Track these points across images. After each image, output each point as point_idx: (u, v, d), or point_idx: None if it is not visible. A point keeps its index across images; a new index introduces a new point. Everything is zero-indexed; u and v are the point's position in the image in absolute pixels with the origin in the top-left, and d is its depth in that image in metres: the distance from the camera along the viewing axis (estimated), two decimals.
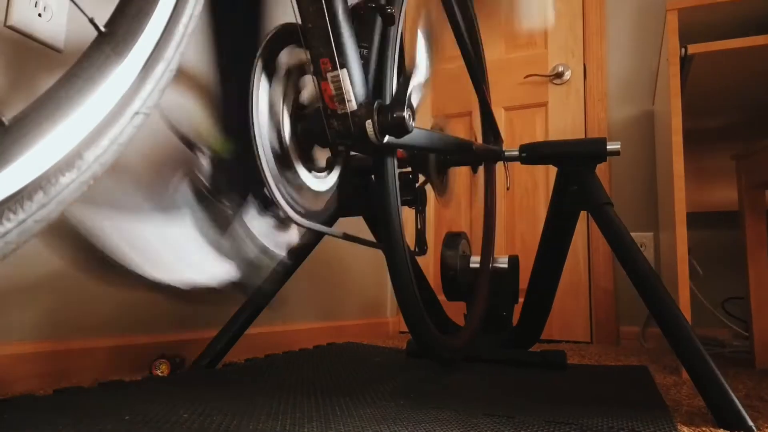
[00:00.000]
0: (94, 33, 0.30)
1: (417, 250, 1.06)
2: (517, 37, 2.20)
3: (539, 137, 2.12)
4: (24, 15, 0.58)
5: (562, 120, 2.08)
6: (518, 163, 1.45)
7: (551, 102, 2.10)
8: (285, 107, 0.69)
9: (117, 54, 0.29)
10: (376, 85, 0.80)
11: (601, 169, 1.94)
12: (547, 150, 1.05)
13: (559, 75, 2.09)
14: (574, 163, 1.02)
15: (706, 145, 1.71)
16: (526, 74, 2.13)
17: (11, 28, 0.58)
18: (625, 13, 2.07)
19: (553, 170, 1.96)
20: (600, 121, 2.02)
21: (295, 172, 0.68)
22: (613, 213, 0.92)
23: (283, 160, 0.67)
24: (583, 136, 2.04)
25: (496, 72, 2.20)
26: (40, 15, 0.59)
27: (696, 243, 1.80)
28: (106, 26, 0.30)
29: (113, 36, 0.30)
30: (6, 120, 0.24)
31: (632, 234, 1.57)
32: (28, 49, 0.61)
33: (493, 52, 2.23)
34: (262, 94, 0.65)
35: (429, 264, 2.18)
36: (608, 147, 0.99)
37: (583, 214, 1.94)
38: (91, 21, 0.29)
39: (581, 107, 2.06)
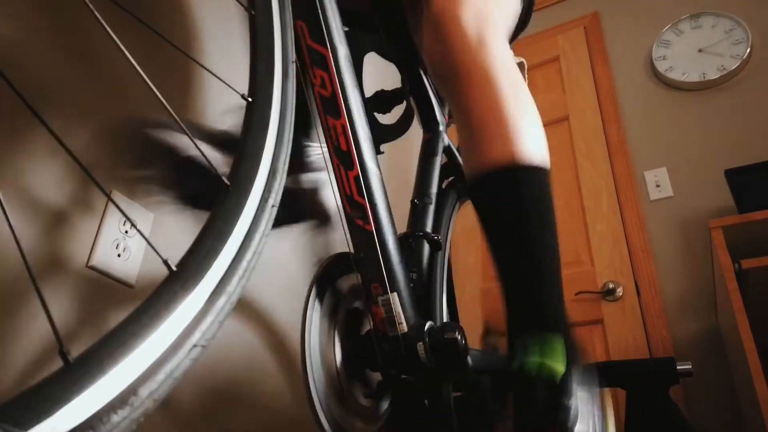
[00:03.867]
0: (166, 269, 0.33)
1: None
2: (562, 255, 2.25)
3: (600, 356, 2.01)
4: (105, 256, 0.64)
5: (623, 338, 1.99)
6: None
7: (607, 319, 2.04)
8: (337, 331, 0.70)
9: (185, 290, 0.31)
10: (426, 308, 0.81)
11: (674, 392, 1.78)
12: (611, 372, 0.99)
13: (611, 292, 2.07)
14: (644, 386, 0.94)
15: None
16: (577, 291, 2.12)
17: (92, 268, 0.64)
18: (667, 231, 2.11)
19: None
20: (663, 340, 1.92)
21: (347, 397, 0.66)
22: None
23: (334, 384, 0.65)
24: (647, 356, 1.93)
25: None
26: (119, 255, 0.65)
27: None
28: (177, 266, 0.33)
29: (183, 274, 0.32)
30: (71, 357, 0.25)
31: None
32: (102, 286, 0.66)
33: None
34: (315, 318, 0.66)
35: None
36: (679, 367, 0.93)
37: None
38: (165, 262, 0.31)
39: (640, 325, 1.99)
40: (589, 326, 2.06)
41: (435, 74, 0.75)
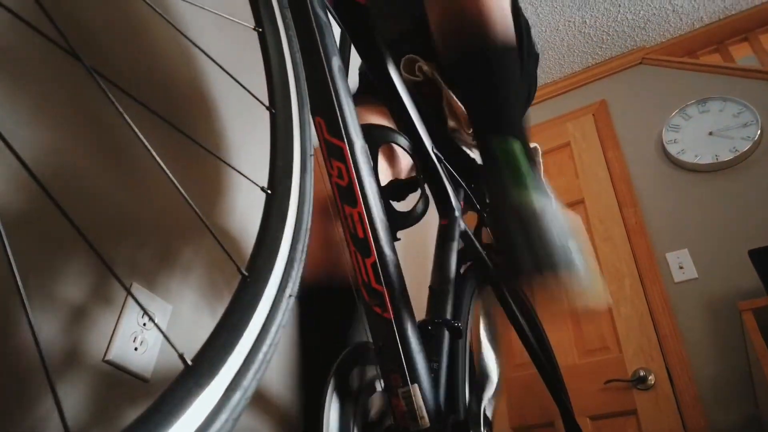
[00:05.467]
0: (181, 363, 0.32)
1: None
2: (588, 342, 2.18)
3: None
4: (122, 350, 0.64)
5: (659, 430, 1.87)
6: None
7: (640, 409, 1.94)
8: (356, 427, 0.67)
9: (199, 386, 0.31)
10: (448, 400, 0.78)
11: None
12: None
13: (642, 380, 1.97)
14: None
15: None
16: (606, 380, 2.03)
17: (108, 362, 0.63)
18: (695, 313, 2.05)
19: None
20: (702, 431, 1.81)
21: None
22: None
23: None
24: None
25: (573, 379, 2.11)
26: (136, 349, 0.65)
27: None
28: (193, 360, 0.32)
29: (198, 369, 0.32)
30: None
31: None
32: (117, 381, 0.65)
33: (565, 359, 2.18)
34: (334, 413, 0.64)
35: None
36: None
37: None
38: (181, 356, 0.31)
39: (676, 414, 1.88)
40: (623, 418, 1.95)
41: None
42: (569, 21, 2.86)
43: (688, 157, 2.39)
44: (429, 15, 0.92)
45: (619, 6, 2.78)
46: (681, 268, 2.16)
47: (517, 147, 0.80)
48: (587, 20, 2.85)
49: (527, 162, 0.79)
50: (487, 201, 0.85)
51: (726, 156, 2.30)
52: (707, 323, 2.00)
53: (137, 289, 0.69)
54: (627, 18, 2.83)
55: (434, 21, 0.91)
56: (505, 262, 0.80)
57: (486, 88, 0.86)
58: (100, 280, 0.65)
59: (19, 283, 0.27)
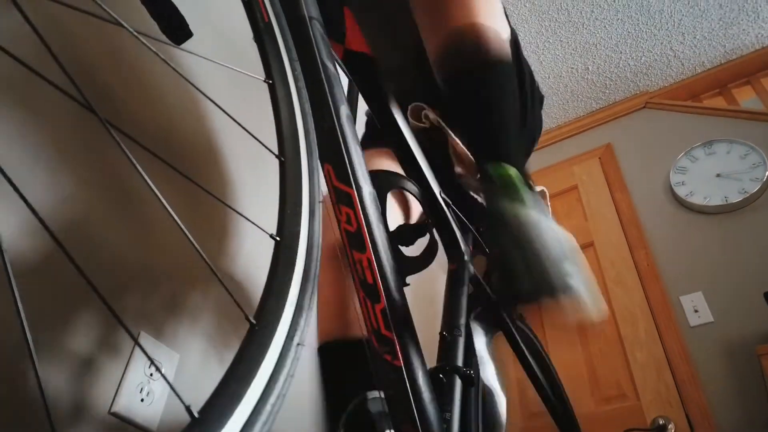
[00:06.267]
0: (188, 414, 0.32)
1: None
2: (604, 389, 2.12)
3: None
4: (128, 402, 0.63)
5: None
6: None
7: None
8: None
9: None
10: None
11: None
12: None
13: (662, 429, 1.91)
14: None
15: None
16: (625, 429, 1.96)
17: (114, 414, 0.62)
18: (713, 358, 1.99)
19: None
20: None
21: None
22: None
23: None
24: None
25: (591, 428, 2.04)
26: (142, 400, 0.64)
27: None
28: (200, 412, 0.31)
29: (204, 422, 0.31)
30: None
31: None
32: None
33: (581, 407, 2.12)
34: None
35: None
36: None
37: None
38: (188, 409, 0.30)
39: None
40: None
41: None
42: (572, 68, 2.91)
43: (697, 199, 2.38)
44: (426, 45, 0.93)
45: (621, 53, 2.84)
46: (696, 311, 2.12)
47: (512, 172, 0.80)
48: (590, 67, 2.91)
49: (524, 185, 0.80)
50: (487, 223, 0.84)
51: (735, 198, 2.29)
52: (726, 368, 1.94)
53: (145, 338, 0.68)
54: (629, 64, 2.89)
55: (430, 49, 0.92)
56: (502, 286, 0.78)
57: (481, 108, 0.86)
58: (108, 329, 0.65)
59: (28, 334, 0.27)
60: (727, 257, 2.18)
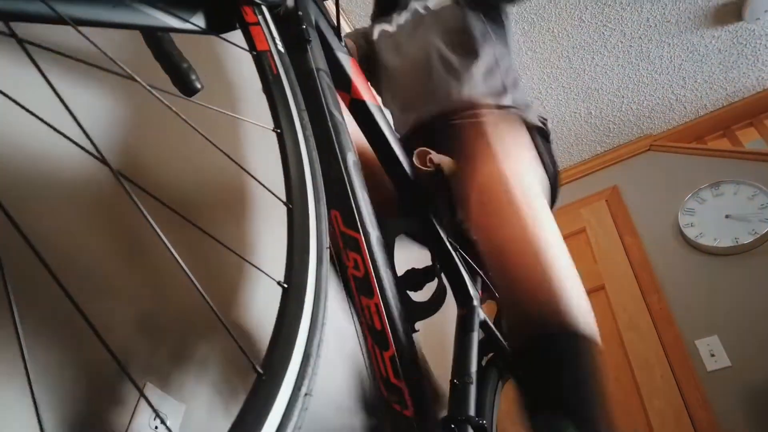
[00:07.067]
0: None
1: None
2: None
3: None
4: None
5: None
6: None
7: None
8: None
9: None
10: None
11: None
12: None
13: None
14: None
15: None
16: None
17: None
18: (733, 404, 1.95)
19: None
20: None
21: None
22: None
23: None
24: None
25: None
26: None
27: None
28: None
29: None
30: None
31: None
32: None
33: None
34: None
35: None
36: None
37: None
38: None
39: None
40: None
41: (483, 248, 0.79)
42: (575, 112, 2.95)
43: (707, 241, 2.36)
44: (500, 296, 0.86)
45: (623, 97, 2.88)
46: (713, 355, 2.07)
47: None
48: (592, 111, 2.95)
49: None
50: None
51: (746, 239, 2.27)
52: (746, 414, 1.87)
53: (150, 389, 0.67)
54: (631, 108, 2.93)
55: (505, 305, 0.83)
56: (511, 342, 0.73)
57: (555, 375, 0.75)
58: (114, 380, 0.64)
59: (31, 384, 0.27)
60: (741, 299, 2.14)
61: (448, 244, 1.10)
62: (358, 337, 0.82)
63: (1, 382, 0.53)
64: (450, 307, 1.05)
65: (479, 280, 1.16)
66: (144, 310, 0.72)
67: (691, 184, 2.58)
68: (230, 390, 0.81)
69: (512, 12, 2.51)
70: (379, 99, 1.12)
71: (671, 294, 2.32)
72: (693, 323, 2.19)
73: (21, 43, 0.38)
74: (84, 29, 0.43)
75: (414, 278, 1.06)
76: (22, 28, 0.40)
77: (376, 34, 1.35)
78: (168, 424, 0.46)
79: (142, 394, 0.35)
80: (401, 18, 1.31)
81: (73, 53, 0.44)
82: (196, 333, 0.80)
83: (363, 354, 0.69)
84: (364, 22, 1.85)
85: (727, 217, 2.39)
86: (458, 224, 1.11)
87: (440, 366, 1.14)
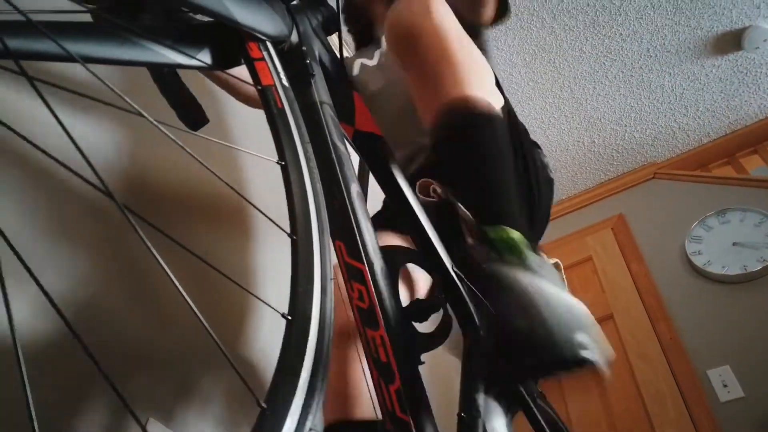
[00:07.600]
0: None
1: None
2: None
3: None
4: None
5: None
6: None
7: None
8: None
9: None
10: None
11: None
12: None
13: None
14: None
15: None
16: None
17: None
18: None
19: None
20: None
21: None
22: None
23: None
24: None
25: None
26: None
27: None
28: None
29: None
30: None
31: None
32: None
33: None
34: None
35: None
36: None
37: None
38: None
39: None
40: None
41: (391, 40, 0.89)
42: (578, 141, 2.97)
43: (715, 269, 2.34)
44: (422, 122, 0.93)
45: (625, 126, 2.90)
46: (725, 386, 2.03)
47: (515, 235, 0.75)
48: (596, 140, 2.96)
49: (530, 250, 0.74)
50: (482, 287, 0.76)
51: (755, 266, 2.25)
52: None
53: (153, 425, 0.66)
54: (634, 136, 2.94)
55: (426, 126, 0.90)
56: (506, 362, 0.70)
57: (475, 166, 0.83)
58: (117, 415, 0.63)
59: (34, 418, 0.27)
60: (752, 328, 2.11)
61: (453, 273, 1.09)
62: (363, 370, 0.81)
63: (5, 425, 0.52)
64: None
65: (485, 309, 1.14)
66: (147, 343, 0.72)
67: (696, 211, 2.57)
68: (234, 425, 0.80)
69: (490, 35, 2.55)
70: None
71: (681, 323, 2.29)
72: (704, 353, 2.16)
73: (31, 81, 0.39)
74: (92, 66, 0.44)
75: (420, 309, 1.05)
76: (30, 62, 0.41)
77: (356, 69, 1.36)
78: None
79: (145, 430, 0.35)
80: (381, 49, 1.32)
81: (80, 87, 0.44)
82: (199, 366, 0.79)
83: (368, 387, 0.68)
84: None
85: (734, 244, 2.37)
86: (464, 252, 1.11)
87: (447, 399, 1.12)
